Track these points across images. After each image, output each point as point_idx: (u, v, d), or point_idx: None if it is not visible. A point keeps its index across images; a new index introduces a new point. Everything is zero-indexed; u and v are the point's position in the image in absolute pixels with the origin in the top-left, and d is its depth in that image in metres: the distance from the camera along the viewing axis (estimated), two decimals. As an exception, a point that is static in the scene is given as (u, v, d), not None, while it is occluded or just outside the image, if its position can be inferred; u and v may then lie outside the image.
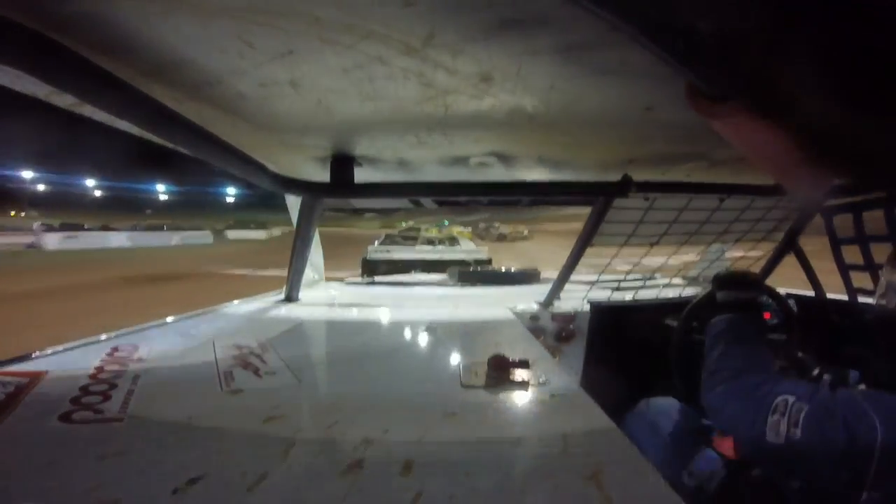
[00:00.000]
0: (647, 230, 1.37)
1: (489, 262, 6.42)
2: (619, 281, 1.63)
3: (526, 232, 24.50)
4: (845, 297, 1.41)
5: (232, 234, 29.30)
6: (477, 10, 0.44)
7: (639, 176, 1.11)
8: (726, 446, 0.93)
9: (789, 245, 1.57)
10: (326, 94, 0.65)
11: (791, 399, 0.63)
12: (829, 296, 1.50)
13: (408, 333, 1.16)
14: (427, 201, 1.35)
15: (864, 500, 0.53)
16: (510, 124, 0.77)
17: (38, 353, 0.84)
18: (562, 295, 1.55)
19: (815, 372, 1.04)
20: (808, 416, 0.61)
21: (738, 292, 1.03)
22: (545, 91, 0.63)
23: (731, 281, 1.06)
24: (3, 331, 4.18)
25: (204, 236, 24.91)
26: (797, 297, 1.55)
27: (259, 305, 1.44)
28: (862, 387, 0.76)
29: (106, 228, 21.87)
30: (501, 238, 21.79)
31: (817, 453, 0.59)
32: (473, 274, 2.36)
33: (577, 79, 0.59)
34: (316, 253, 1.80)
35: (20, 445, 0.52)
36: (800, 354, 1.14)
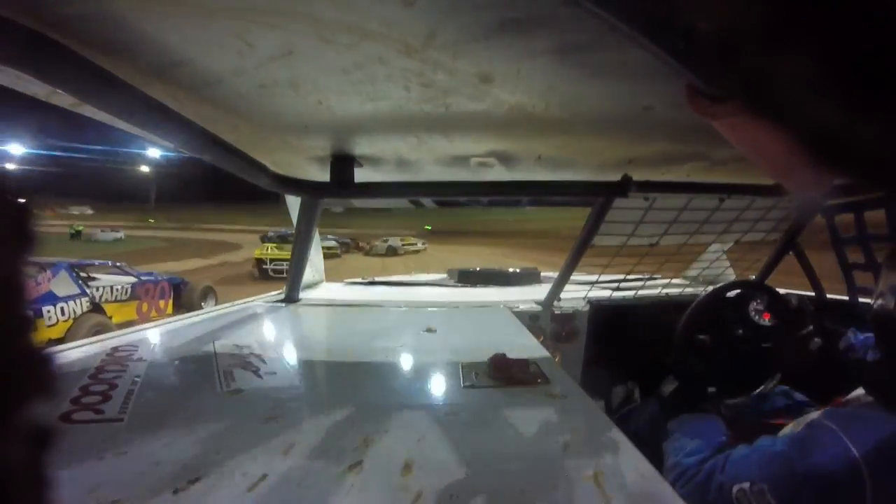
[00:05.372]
0: (647, 230, 1.37)
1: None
2: (619, 281, 1.63)
3: (420, 245, 24.87)
4: (846, 297, 1.41)
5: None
6: (477, 10, 0.44)
7: (639, 176, 1.11)
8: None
9: (789, 245, 1.57)
10: (326, 94, 0.65)
11: (746, 486, 0.66)
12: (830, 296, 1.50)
13: (407, 333, 1.16)
14: (427, 201, 1.35)
15: None
16: (510, 124, 0.77)
17: None
18: (562, 295, 1.55)
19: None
20: (773, 493, 0.62)
21: (678, 390, 1.20)
22: (545, 91, 0.63)
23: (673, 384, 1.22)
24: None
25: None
26: (797, 298, 1.55)
27: (259, 305, 1.44)
28: (860, 391, 0.75)
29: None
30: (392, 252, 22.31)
31: None
32: (473, 274, 2.36)
33: (576, 79, 0.59)
34: (316, 253, 1.80)
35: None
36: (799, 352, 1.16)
